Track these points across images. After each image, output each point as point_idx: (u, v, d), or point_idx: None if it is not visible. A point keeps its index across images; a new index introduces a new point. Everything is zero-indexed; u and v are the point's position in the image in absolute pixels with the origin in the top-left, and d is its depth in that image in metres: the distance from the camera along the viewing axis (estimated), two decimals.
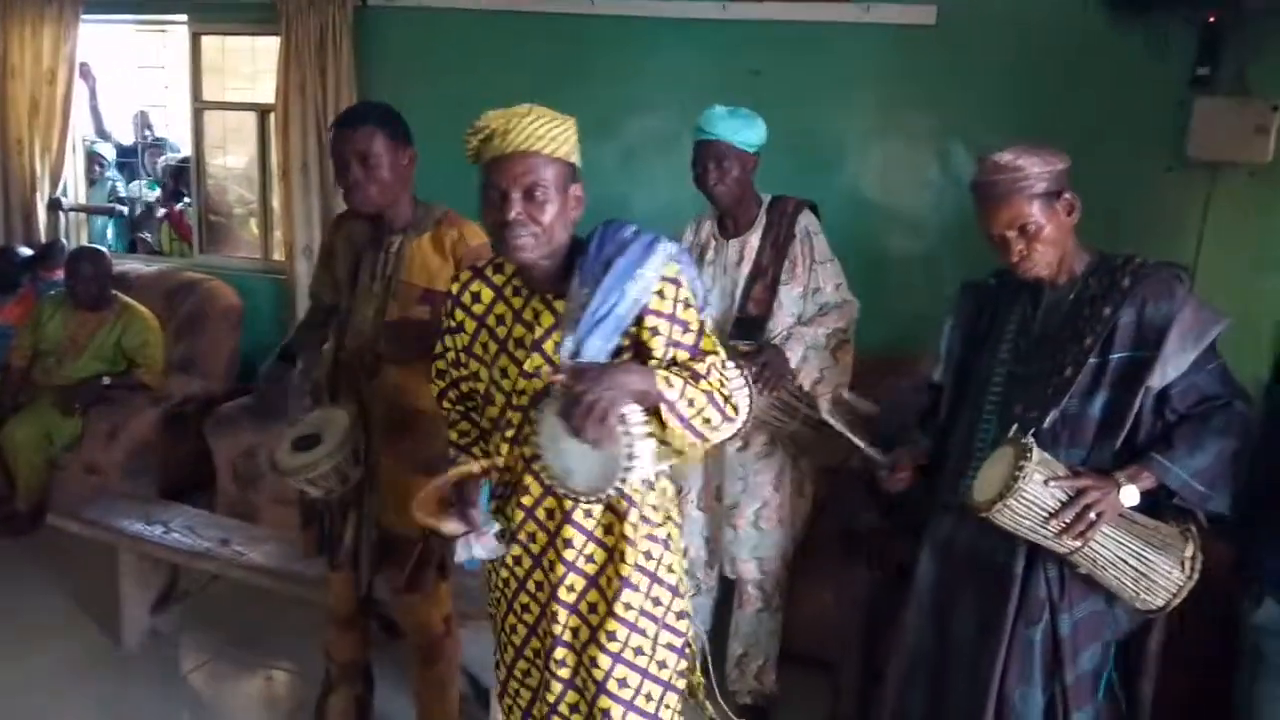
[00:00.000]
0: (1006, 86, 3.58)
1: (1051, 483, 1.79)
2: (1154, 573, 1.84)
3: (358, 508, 2.40)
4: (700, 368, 1.62)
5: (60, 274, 4.39)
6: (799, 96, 3.77)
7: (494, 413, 1.78)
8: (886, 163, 3.81)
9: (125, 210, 5.81)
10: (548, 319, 1.70)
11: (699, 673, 1.92)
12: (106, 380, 4.11)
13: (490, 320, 1.78)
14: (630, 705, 1.77)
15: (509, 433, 1.75)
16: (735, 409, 1.65)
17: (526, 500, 1.77)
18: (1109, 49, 3.42)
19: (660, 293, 1.64)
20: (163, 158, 6.38)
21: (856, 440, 2.25)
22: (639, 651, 1.77)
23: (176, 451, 4.16)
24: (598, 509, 1.74)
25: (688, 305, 1.67)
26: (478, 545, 1.78)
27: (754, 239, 2.71)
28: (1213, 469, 1.84)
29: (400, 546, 2.37)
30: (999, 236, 1.88)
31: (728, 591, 2.96)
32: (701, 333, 1.68)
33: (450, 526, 1.78)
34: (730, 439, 1.84)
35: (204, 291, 4.55)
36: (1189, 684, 2.21)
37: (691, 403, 1.58)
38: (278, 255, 4.80)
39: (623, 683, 1.76)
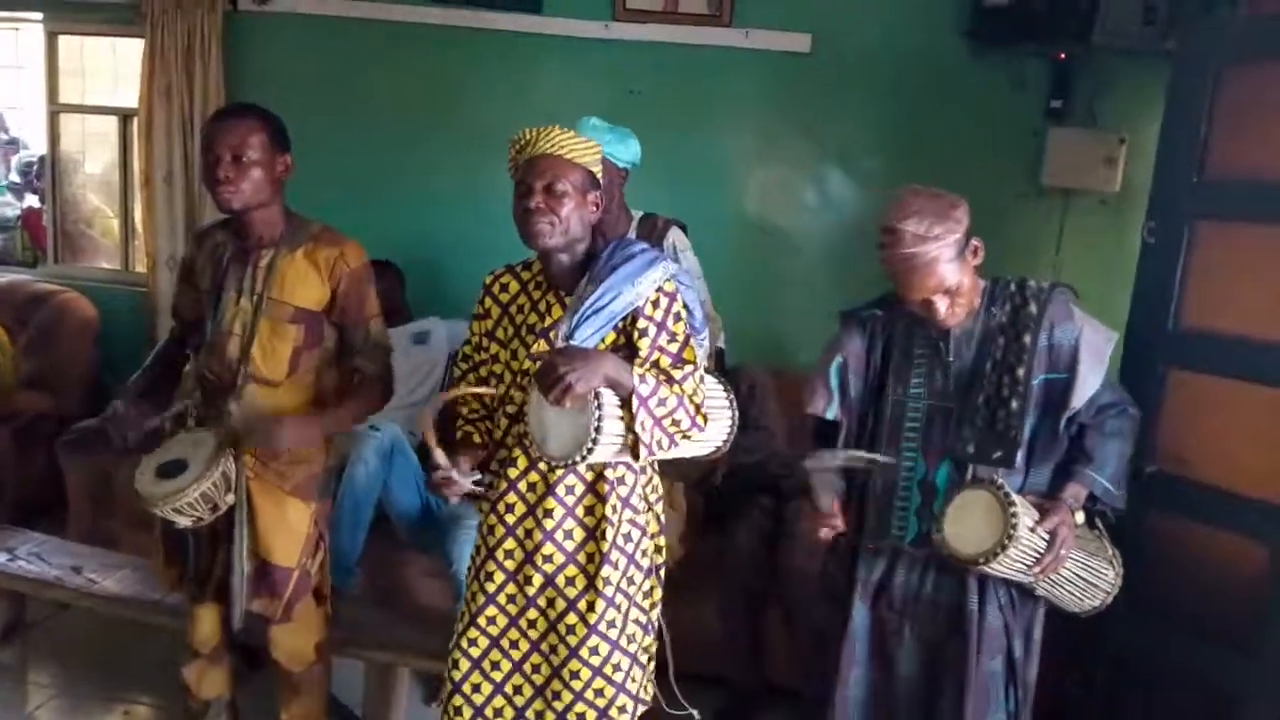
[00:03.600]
0: (877, 113, 3.72)
1: (1038, 529, 1.85)
2: (1096, 578, 1.96)
3: (228, 539, 2.27)
4: (677, 374, 1.84)
5: None
6: (679, 118, 3.83)
7: (501, 390, 1.99)
8: (764, 184, 3.89)
9: None
10: (558, 311, 1.93)
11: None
12: None
13: (513, 309, 2.01)
14: (598, 671, 1.95)
15: (510, 409, 1.97)
16: (705, 418, 1.87)
17: (513, 472, 1.96)
18: (971, 80, 3.60)
19: (655, 302, 1.88)
20: (16, 156, 6.01)
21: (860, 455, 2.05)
22: (611, 624, 1.95)
23: (26, 473, 3.90)
24: (580, 488, 1.94)
25: (678, 318, 1.91)
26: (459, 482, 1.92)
27: None
28: (1119, 470, 1.95)
29: (275, 577, 2.27)
30: (923, 302, 1.90)
31: None
32: (686, 344, 1.90)
33: (440, 457, 1.91)
34: (704, 456, 2.03)
35: (58, 304, 4.28)
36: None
37: (663, 402, 1.79)
38: (139, 267, 4.57)
39: (594, 650, 1.94)
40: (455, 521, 2.95)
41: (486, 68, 3.98)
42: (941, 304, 1.90)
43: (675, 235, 2.76)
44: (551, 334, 1.91)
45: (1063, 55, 3.44)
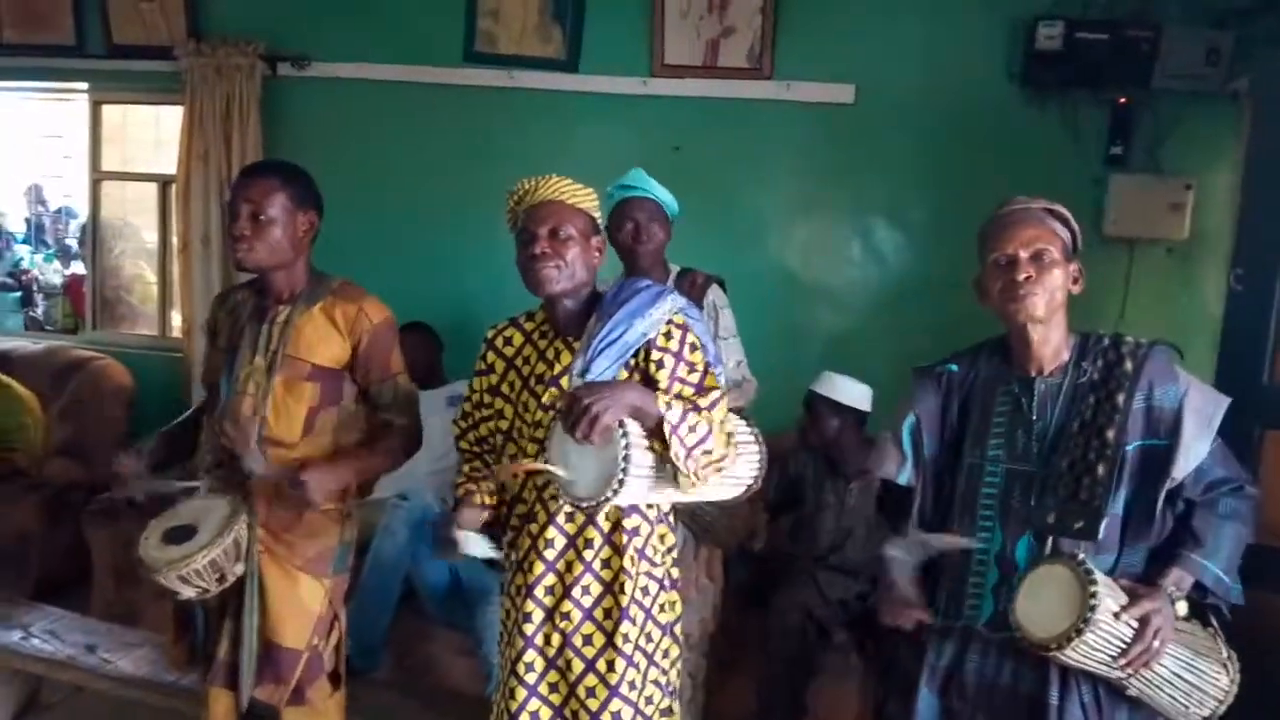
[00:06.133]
0: (925, 164, 3.58)
1: (1124, 614, 1.64)
2: (1204, 682, 1.71)
3: (235, 616, 2.14)
4: (704, 401, 1.71)
5: None
6: (721, 172, 3.74)
7: (513, 449, 1.91)
8: (807, 238, 3.78)
9: (18, 285, 5.49)
10: (566, 358, 1.86)
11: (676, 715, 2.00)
12: None
13: (518, 361, 1.95)
14: None
15: (525, 462, 1.84)
16: (736, 449, 1.75)
17: (533, 528, 1.88)
18: (1026, 128, 3.45)
19: (667, 334, 1.81)
20: (69, 224, 6.11)
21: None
22: (632, 685, 1.86)
23: (54, 544, 3.81)
24: (598, 540, 1.84)
25: (694, 348, 1.83)
26: (472, 542, 1.86)
27: None
28: (1233, 558, 1.72)
29: (282, 661, 2.13)
30: (1010, 256, 1.74)
31: None
32: (706, 373, 1.82)
33: (468, 518, 1.89)
34: (735, 498, 1.89)
35: (93, 370, 4.25)
36: None
37: (693, 429, 1.66)
38: (176, 332, 4.54)
39: (616, 716, 1.84)
40: (484, 596, 2.78)
41: (524, 127, 3.93)
42: (1026, 267, 1.72)
43: (715, 293, 2.66)
44: (563, 379, 1.83)
45: (1123, 99, 3.28)
